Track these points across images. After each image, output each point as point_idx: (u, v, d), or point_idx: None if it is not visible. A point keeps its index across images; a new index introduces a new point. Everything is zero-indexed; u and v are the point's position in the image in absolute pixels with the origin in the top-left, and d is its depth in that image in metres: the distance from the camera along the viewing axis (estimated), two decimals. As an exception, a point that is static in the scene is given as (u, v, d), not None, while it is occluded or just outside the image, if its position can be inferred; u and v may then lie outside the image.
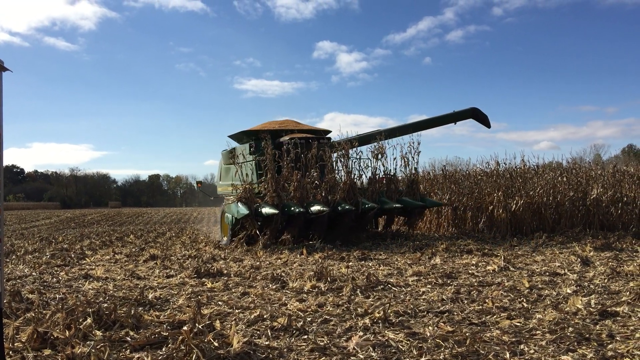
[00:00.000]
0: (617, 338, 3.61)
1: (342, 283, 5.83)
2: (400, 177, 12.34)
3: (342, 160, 11.47)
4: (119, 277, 6.92)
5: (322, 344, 3.61)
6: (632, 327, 3.86)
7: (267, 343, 3.65)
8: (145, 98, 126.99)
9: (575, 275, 6.19)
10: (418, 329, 3.93)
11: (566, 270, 6.50)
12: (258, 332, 3.94)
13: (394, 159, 12.44)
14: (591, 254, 7.91)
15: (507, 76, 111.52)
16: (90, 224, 25.60)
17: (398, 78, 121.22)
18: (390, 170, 12.18)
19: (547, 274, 6.35)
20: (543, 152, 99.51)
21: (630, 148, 53.31)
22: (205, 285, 6.11)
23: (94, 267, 7.98)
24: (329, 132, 12.72)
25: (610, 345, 3.45)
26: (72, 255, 9.59)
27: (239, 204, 10.39)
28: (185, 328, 3.63)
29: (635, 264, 6.83)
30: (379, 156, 12.04)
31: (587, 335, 3.66)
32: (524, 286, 5.53)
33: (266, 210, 10.16)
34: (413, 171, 12.40)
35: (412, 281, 6.05)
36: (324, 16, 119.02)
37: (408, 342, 3.60)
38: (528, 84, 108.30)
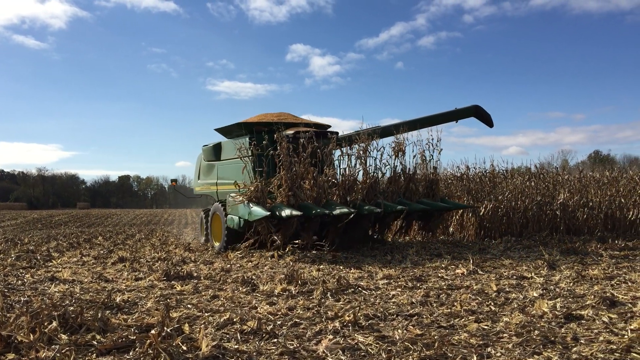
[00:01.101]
0: (582, 341, 3.68)
1: (313, 286, 5.83)
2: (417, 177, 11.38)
3: (361, 156, 10.33)
4: (86, 280, 6.79)
5: (291, 347, 3.60)
6: (596, 331, 3.94)
7: (236, 347, 3.62)
8: (116, 98, 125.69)
9: (542, 278, 6.29)
10: (387, 332, 3.95)
11: (533, 274, 6.60)
12: (227, 336, 3.91)
13: (414, 156, 11.53)
14: (557, 257, 8.04)
15: (477, 82, 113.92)
16: (58, 225, 25.11)
17: (371, 82, 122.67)
18: (409, 168, 11.27)
19: (515, 277, 6.44)
20: (512, 157, 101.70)
21: (597, 154, 54.65)
22: (175, 288, 6.03)
23: (60, 269, 7.82)
24: (329, 126, 11.90)
25: (574, 348, 3.53)
26: (38, 257, 9.37)
27: (250, 204, 9.12)
28: (153, 332, 3.58)
29: (600, 268, 6.98)
30: (399, 153, 11.03)
31: (553, 338, 3.73)
32: (491, 289, 5.60)
33: (286, 212, 8.76)
34: (432, 170, 11.55)
35: (382, 284, 6.08)
36: (298, 20, 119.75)
37: (377, 345, 3.63)
38: (498, 90, 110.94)
